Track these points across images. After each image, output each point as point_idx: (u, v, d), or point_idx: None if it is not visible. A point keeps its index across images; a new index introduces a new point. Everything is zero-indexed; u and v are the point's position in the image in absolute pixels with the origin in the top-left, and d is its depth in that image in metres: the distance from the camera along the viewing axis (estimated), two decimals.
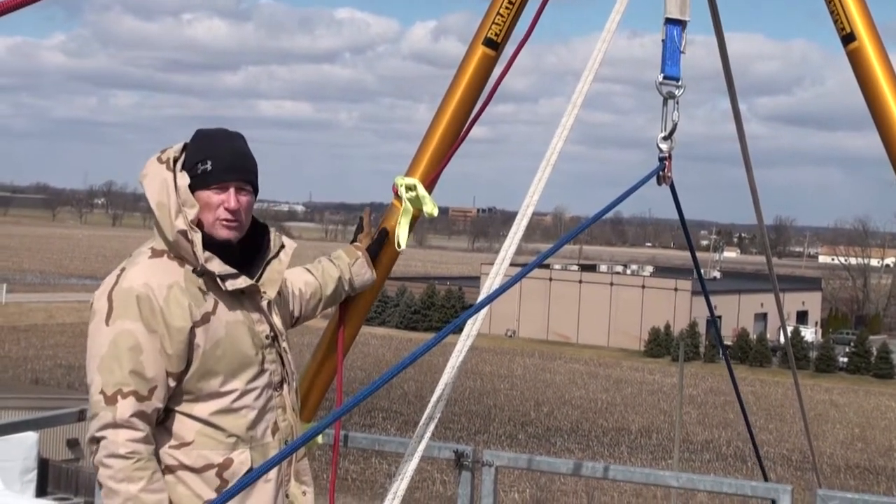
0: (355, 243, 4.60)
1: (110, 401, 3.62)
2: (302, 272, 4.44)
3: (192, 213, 3.77)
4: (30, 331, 78.06)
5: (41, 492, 23.15)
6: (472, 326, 3.38)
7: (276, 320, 3.96)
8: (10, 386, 41.28)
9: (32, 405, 27.44)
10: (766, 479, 5.23)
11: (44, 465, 23.75)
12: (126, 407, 3.62)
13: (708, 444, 52.85)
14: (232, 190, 3.82)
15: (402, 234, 4.54)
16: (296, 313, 4.37)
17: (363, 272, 4.54)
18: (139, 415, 3.64)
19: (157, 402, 3.69)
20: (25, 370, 61.19)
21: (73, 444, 28.36)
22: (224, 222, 3.81)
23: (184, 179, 3.80)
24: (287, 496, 3.96)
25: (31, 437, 22.84)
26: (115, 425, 3.61)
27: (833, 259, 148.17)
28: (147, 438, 3.65)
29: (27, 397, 30.88)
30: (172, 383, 3.71)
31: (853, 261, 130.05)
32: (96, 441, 3.63)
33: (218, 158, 3.82)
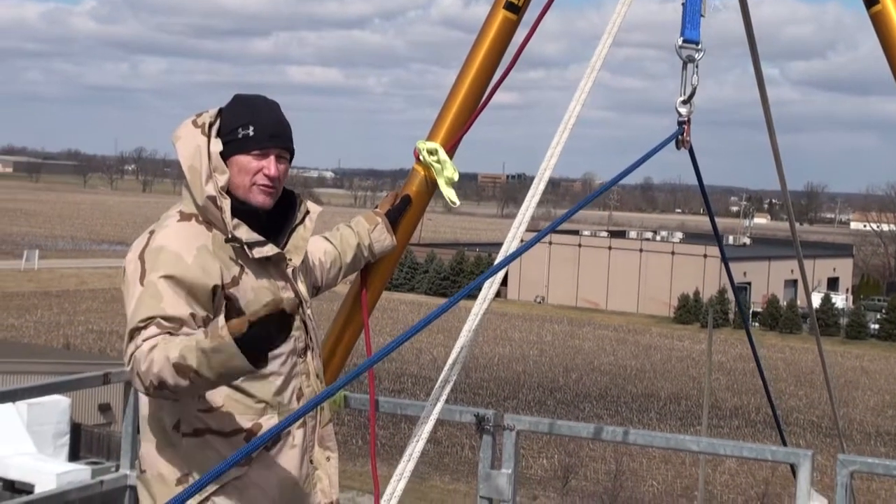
0: (375, 209, 4.60)
1: (132, 335, 3.58)
2: (321, 241, 4.44)
3: (222, 179, 3.78)
4: (62, 296, 78.65)
5: (74, 455, 23.45)
6: (489, 289, 3.39)
7: (301, 287, 3.98)
8: (41, 351, 41.67)
9: (63, 370, 27.67)
10: (784, 443, 5.23)
11: (76, 430, 24.05)
12: (147, 332, 3.56)
13: (737, 411, 52.79)
14: (272, 157, 3.83)
15: (448, 193, 4.57)
16: (317, 283, 4.38)
17: (383, 238, 4.52)
18: (159, 333, 3.56)
19: (183, 331, 3.61)
20: (57, 335, 61.70)
21: (104, 408, 28.65)
22: (262, 188, 3.82)
23: (217, 146, 3.81)
24: (311, 462, 3.98)
25: (63, 401, 23.14)
26: (137, 347, 3.54)
27: (865, 225, 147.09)
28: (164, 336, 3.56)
29: (58, 362, 31.14)
30: (198, 325, 3.67)
31: (885, 227, 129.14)
32: (132, 371, 3.55)
33: (260, 124, 3.83)
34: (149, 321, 3.60)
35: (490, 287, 3.35)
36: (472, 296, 3.25)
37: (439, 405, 3.31)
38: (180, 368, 3.41)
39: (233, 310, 3.50)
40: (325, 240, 4.45)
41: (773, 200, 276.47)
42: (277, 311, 3.29)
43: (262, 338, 3.33)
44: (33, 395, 4.99)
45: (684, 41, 4.19)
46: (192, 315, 3.65)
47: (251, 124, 3.82)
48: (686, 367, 64.58)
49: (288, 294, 3.90)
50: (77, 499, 5.24)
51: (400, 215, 4.57)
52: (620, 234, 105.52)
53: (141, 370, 3.51)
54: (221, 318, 3.57)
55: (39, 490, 18.37)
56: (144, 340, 3.56)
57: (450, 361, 3.36)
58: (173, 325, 3.60)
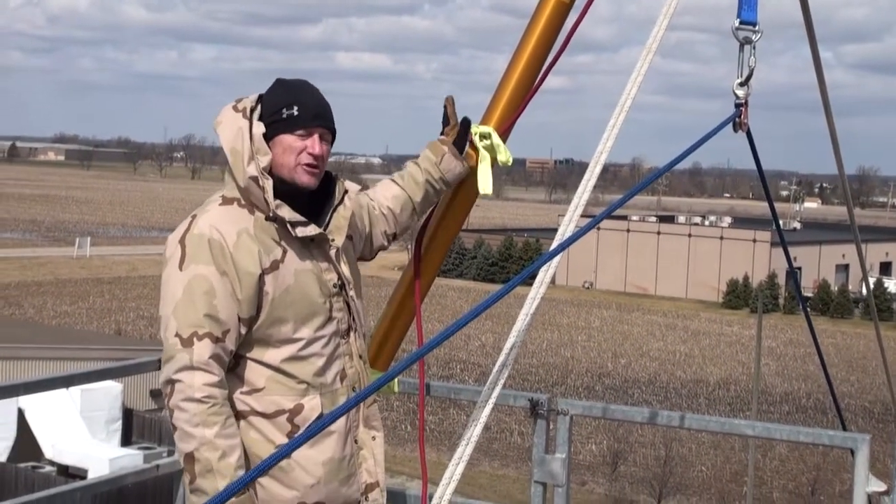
0: (441, 137, 4.46)
1: (186, 343, 3.67)
2: (389, 186, 4.39)
3: (264, 160, 3.79)
4: (113, 283, 79.45)
5: (126, 440, 23.66)
6: (546, 273, 3.37)
7: (344, 269, 3.97)
8: (94, 337, 42.09)
9: (115, 356, 27.93)
10: (844, 428, 5.18)
11: (128, 415, 24.26)
12: (202, 349, 3.67)
13: (787, 397, 52.49)
14: (316, 136, 3.85)
15: (484, 179, 4.52)
16: (390, 230, 4.34)
17: (453, 166, 4.40)
18: (215, 357, 3.69)
19: (230, 345, 3.74)
20: (109, 322, 62.36)
21: (156, 394, 28.89)
22: (307, 167, 3.83)
23: (259, 128, 3.83)
24: (356, 442, 3.99)
25: (115, 387, 23.35)
26: (191, 368, 3.66)
27: None
28: (222, 383, 3.70)
29: (110, 348, 31.45)
30: (244, 329, 3.76)
31: None
32: (171, 383, 3.68)
33: (304, 104, 3.85)
34: (202, 324, 3.68)
35: (547, 271, 3.34)
36: (524, 283, 3.23)
37: (498, 388, 3.30)
38: (189, 459, 3.65)
39: None
40: (394, 183, 4.39)
41: (825, 184, 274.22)
42: None
43: None
44: (90, 381, 5.03)
45: (741, 22, 4.15)
46: (239, 319, 3.73)
47: (295, 104, 3.84)
48: (735, 353, 64.25)
49: (331, 276, 3.92)
50: (133, 483, 5.29)
51: (465, 140, 4.45)
52: (669, 219, 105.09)
53: (175, 402, 3.67)
54: None
55: (93, 475, 18.57)
56: (198, 366, 3.67)
57: (508, 345, 3.35)
58: (223, 333, 3.70)
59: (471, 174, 4.51)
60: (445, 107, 4.51)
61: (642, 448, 41.13)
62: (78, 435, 22.30)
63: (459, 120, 4.47)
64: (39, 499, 4.65)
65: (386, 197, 4.35)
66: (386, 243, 4.37)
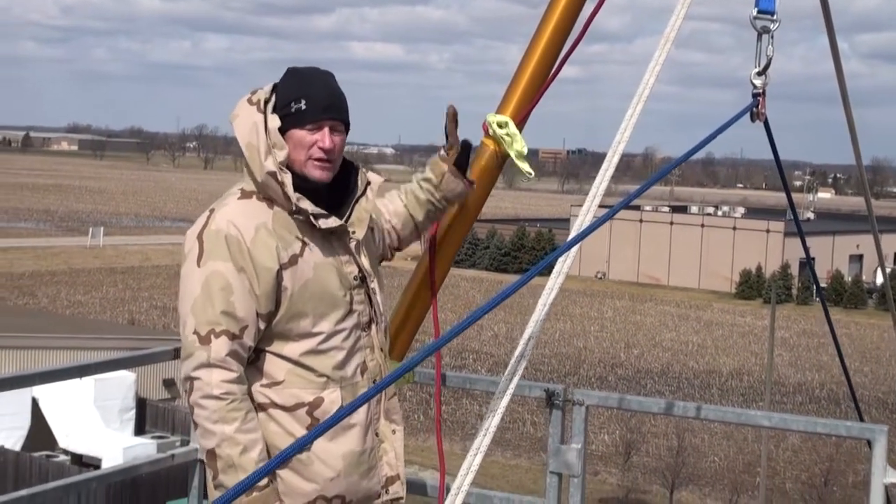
0: (441, 155, 4.31)
1: (204, 341, 3.68)
2: (394, 200, 4.34)
3: (281, 154, 3.76)
4: (126, 273, 79.55)
5: (139, 430, 23.71)
6: (563, 264, 3.36)
7: (365, 261, 3.94)
8: (107, 327, 42.17)
9: (129, 346, 27.99)
10: (861, 419, 5.16)
11: (142, 405, 24.31)
12: (220, 346, 3.67)
13: (800, 387, 52.39)
14: (326, 129, 3.80)
15: (523, 166, 4.50)
16: (393, 245, 4.33)
17: (453, 186, 4.29)
18: (232, 354, 3.68)
19: (248, 341, 3.73)
20: (122, 311, 62.45)
21: (169, 383, 28.94)
22: (318, 162, 3.80)
23: (274, 121, 3.79)
24: (377, 435, 3.98)
25: (129, 377, 23.40)
26: (209, 365, 3.66)
27: None
28: (240, 378, 3.70)
29: (124, 338, 31.51)
30: (262, 324, 3.74)
31: None
32: (190, 381, 3.69)
33: (312, 97, 3.80)
34: (220, 321, 3.68)
35: (565, 261, 3.33)
36: (544, 272, 3.22)
37: (516, 379, 3.30)
38: (211, 456, 3.68)
39: None
40: (398, 198, 4.35)
41: (838, 175, 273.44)
42: None
43: None
44: (104, 370, 5.04)
45: (759, 12, 4.13)
46: (258, 314, 3.73)
47: (304, 98, 3.79)
48: (748, 343, 64.12)
49: (351, 268, 3.90)
50: (147, 472, 5.29)
51: (467, 160, 4.35)
52: (682, 210, 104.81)
53: (194, 399, 3.69)
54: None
55: (107, 464, 18.62)
56: (215, 364, 3.68)
57: (525, 335, 3.34)
58: (240, 329, 3.70)
59: (492, 169, 4.50)
60: (446, 124, 4.32)
61: (655, 438, 41.10)
62: (92, 424, 22.36)
63: (461, 141, 4.33)
64: (56, 488, 4.66)
65: (390, 212, 4.32)
66: (389, 256, 4.34)
